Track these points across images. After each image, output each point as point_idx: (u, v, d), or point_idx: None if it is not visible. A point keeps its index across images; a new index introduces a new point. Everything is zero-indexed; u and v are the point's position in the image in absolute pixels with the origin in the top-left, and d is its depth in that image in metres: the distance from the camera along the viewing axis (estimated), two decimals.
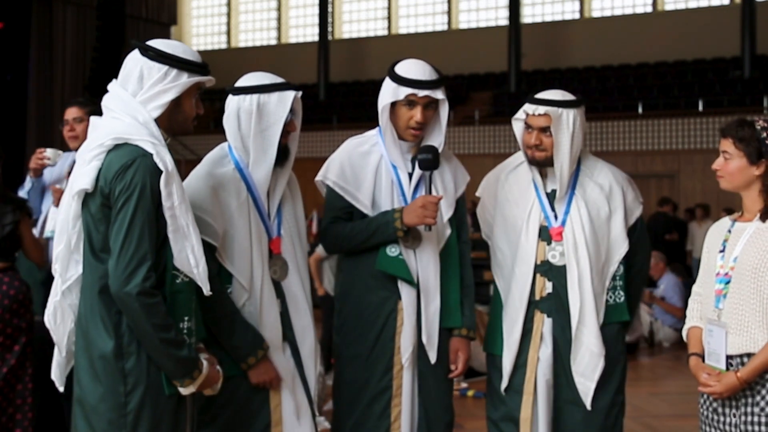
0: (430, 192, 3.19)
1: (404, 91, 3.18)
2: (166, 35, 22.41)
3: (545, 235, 3.37)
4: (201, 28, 27.06)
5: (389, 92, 3.22)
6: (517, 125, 3.43)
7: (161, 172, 2.48)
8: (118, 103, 2.58)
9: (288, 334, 3.00)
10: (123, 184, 2.46)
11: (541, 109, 3.31)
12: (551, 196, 3.40)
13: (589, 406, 3.31)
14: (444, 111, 3.25)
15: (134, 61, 2.60)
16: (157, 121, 2.58)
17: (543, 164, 3.37)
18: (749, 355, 2.75)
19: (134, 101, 2.56)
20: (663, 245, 11.99)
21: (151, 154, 2.49)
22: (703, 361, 2.90)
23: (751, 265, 2.76)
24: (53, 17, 19.73)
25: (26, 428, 4.07)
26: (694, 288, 3.06)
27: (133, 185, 2.45)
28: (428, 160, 3.17)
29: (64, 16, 19.92)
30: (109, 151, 2.51)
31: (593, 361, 3.29)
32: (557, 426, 3.35)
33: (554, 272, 3.35)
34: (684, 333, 3.05)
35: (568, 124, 3.30)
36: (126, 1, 20.70)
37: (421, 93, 3.17)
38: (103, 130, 2.56)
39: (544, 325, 3.35)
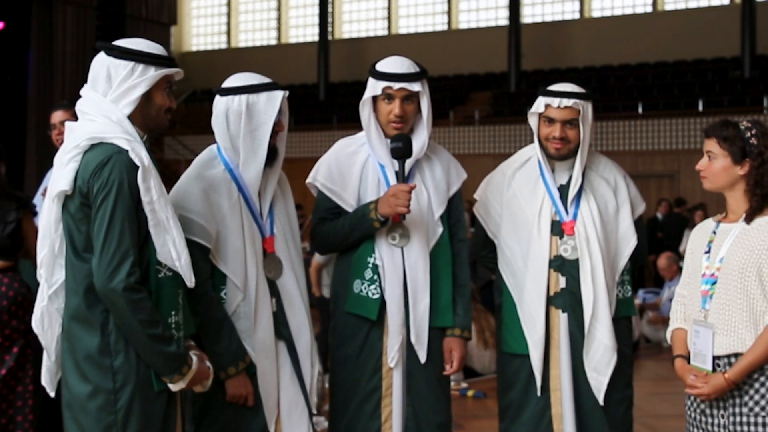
0: (404, 181, 3.18)
1: (381, 85, 3.22)
2: (166, 35, 22.44)
3: (557, 229, 3.39)
4: (201, 28, 27.05)
5: (369, 88, 3.25)
6: (534, 119, 3.44)
7: (138, 167, 2.50)
8: (91, 105, 2.61)
9: (284, 332, 3.00)
10: (100, 182, 2.48)
11: (569, 102, 3.35)
12: (561, 191, 3.41)
13: (601, 401, 3.33)
14: (424, 104, 3.25)
15: (100, 62, 2.63)
16: (131, 118, 2.60)
17: (563, 158, 3.40)
18: (737, 356, 2.75)
19: (105, 101, 2.59)
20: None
21: (127, 151, 2.51)
22: (689, 362, 2.90)
23: (737, 266, 2.76)
24: (53, 17, 19.76)
25: (27, 430, 4.06)
26: (677, 290, 3.06)
27: (111, 182, 2.47)
28: (399, 149, 3.17)
29: (64, 16, 19.94)
30: (86, 152, 2.54)
31: (606, 355, 3.31)
32: (578, 421, 3.36)
33: (567, 267, 3.36)
34: (668, 335, 3.04)
35: (588, 116, 3.39)
36: (126, 1, 20.69)
37: (397, 85, 3.19)
38: (78, 132, 2.58)
39: (560, 320, 3.36)
